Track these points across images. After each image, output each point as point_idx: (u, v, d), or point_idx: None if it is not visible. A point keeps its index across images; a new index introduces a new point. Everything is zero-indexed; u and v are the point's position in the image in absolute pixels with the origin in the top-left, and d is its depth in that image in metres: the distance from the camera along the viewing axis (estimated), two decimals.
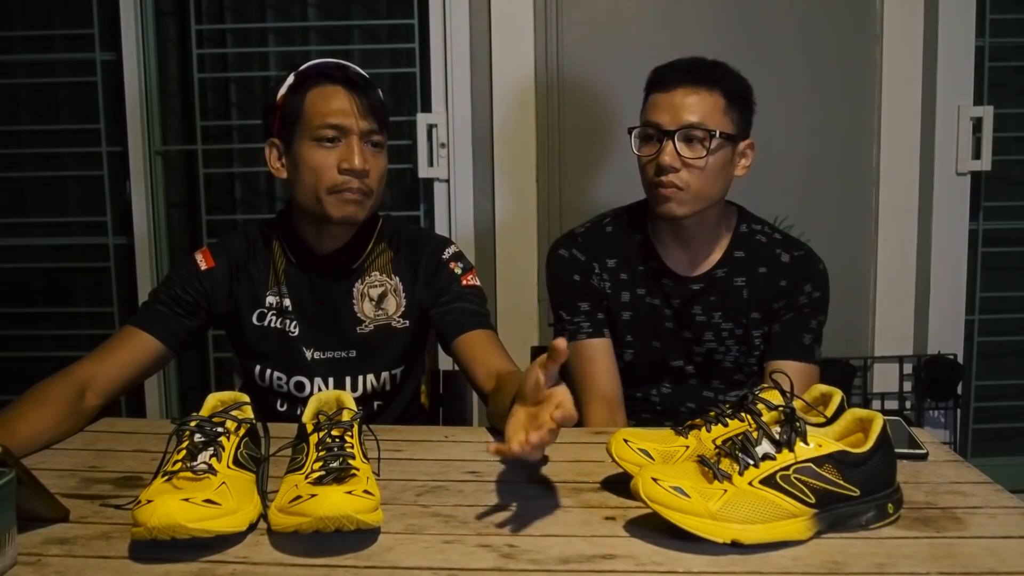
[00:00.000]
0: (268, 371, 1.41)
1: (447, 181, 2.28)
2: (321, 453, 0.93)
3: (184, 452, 0.92)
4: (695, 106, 1.35)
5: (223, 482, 0.89)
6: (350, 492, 0.84)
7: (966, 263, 2.28)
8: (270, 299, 1.41)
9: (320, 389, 1.40)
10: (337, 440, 0.95)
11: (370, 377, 1.42)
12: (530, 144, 2.25)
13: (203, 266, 1.40)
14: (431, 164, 2.28)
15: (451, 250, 1.45)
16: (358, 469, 0.90)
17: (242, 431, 0.98)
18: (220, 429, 0.95)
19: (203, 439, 0.94)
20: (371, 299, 1.41)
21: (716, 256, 1.47)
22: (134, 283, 2.36)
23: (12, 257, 2.45)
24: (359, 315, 1.41)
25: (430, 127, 2.26)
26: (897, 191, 2.25)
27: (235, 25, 2.34)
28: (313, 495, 0.84)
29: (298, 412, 1.40)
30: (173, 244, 2.41)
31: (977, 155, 2.24)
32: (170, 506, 0.82)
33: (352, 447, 0.94)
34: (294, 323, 1.40)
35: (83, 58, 2.33)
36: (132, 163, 2.32)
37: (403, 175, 2.35)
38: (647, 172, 1.41)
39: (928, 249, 2.26)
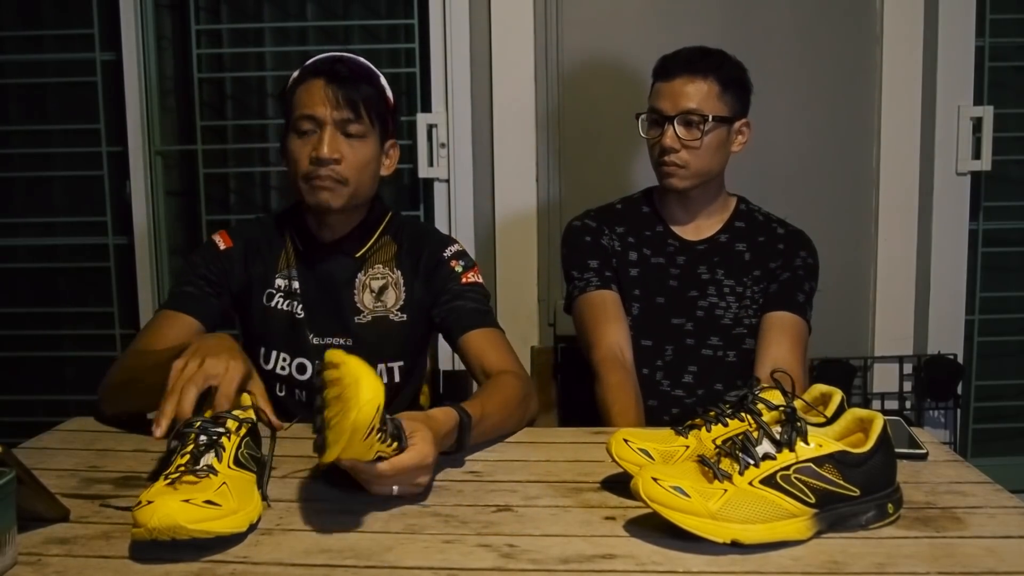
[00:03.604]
0: (272, 353, 1.43)
1: (447, 181, 2.28)
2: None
3: (188, 456, 0.92)
4: (692, 93, 1.51)
5: (223, 482, 0.89)
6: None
7: (966, 263, 2.28)
8: (279, 281, 1.43)
9: None
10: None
11: None
12: (530, 144, 2.25)
13: (222, 246, 1.43)
14: (431, 164, 2.28)
15: (452, 248, 1.45)
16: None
17: (243, 431, 0.98)
18: (220, 430, 0.95)
19: (204, 440, 0.94)
20: (371, 290, 1.43)
21: (718, 224, 1.63)
22: (134, 283, 2.36)
23: (12, 257, 2.45)
24: (359, 305, 1.42)
25: (430, 127, 2.26)
26: (897, 191, 2.25)
27: (234, 25, 2.34)
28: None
29: (296, 397, 1.43)
30: (173, 244, 2.41)
31: (977, 155, 2.23)
32: (170, 507, 0.81)
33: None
34: (300, 306, 1.42)
35: (83, 58, 2.33)
36: (132, 163, 2.32)
37: (403, 175, 2.35)
38: (653, 152, 1.57)
39: (928, 249, 2.26)
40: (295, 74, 1.38)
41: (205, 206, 2.32)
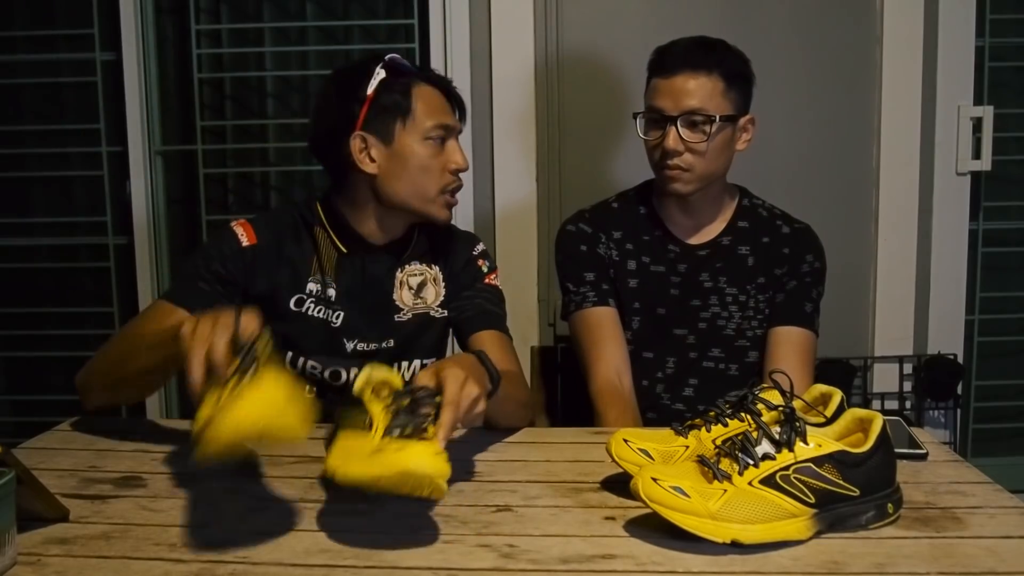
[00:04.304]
0: (301, 359, 1.38)
1: None
2: (399, 418, 0.89)
3: (235, 377, 0.88)
4: (695, 91, 1.41)
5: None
6: (439, 454, 0.83)
7: (966, 263, 2.28)
8: (311, 286, 1.36)
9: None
10: (413, 406, 0.91)
11: (404, 365, 1.41)
12: (530, 143, 2.25)
13: (244, 241, 1.34)
14: None
15: (479, 247, 1.47)
16: (433, 439, 0.88)
17: (270, 347, 0.94)
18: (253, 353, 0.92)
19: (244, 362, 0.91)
20: (410, 287, 1.41)
21: (720, 225, 1.55)
22: (134, 283, 2.36)
23: (12, 257, 2.45)
24: (398, 303, 1.40)
25: None
26: (897, 191, 2.25)
27: (234, 25, 2.34)
28: (400, 449, 0.82)
29: (327, 398, 1.37)
30: (173, 244, 2.41)
31: (977, 155, 2.23)
32: (236, 413, 0.80)
33: (430, 416, 0.91)
34: (337, 313, 1.36)
35: (83, 58, 2.33)
36: (132, 163, 2.32)
37: None
38: (653, 155, 1.48)
39: (928, 249, 2.26)
40: (383, 74, 1.31)
41: (205, 207, 2.32)
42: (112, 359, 1.23)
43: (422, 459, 0.81)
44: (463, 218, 2.26)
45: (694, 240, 1.55)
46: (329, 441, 0.96)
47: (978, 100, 2.22)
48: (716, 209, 1.55)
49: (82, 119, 2.35)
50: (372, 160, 1.32)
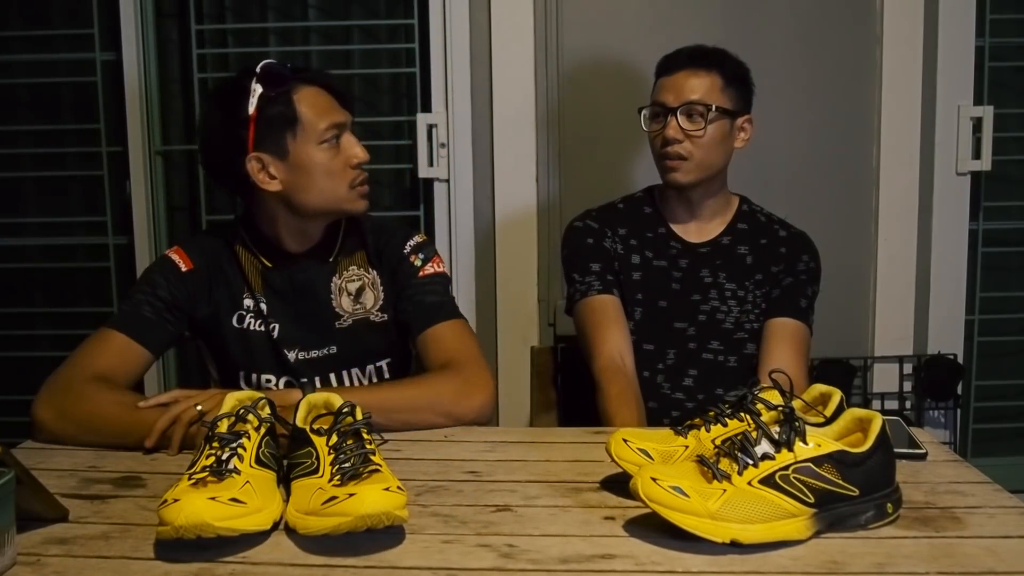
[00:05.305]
0: (254, 375, 1.39)
1: (447, 181, 2.28)
2: (344, 454, 0.91)
3: (212, 459, 0.91)
4: (696, 86, 1.53)
5: (247, 481, 0.89)
6: (387, 489, 0.84)
7: (966, 263, 2.28)
8: (247, 302, 1.39)
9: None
10: (353, 440, 0.94)
11: (355, 372, 1.41)
12: (530, 144, 2.25)
13: (183, 267, 1.37)
14: (431, 164, 2.28)
15: (412, 242, 1.44)
16: (380, 466, 0.90)
17: (263, 430, 0.97)
18: (239, 439, 0.95)
19: (227, 439, 0.93)
20: (348, 293, 1.41)
21: (721, 226, 1.62)
22: (134, 283, 2.35)
23: (12, 257, 2.45)
24: (337, 310, 1.40)
25: (430, 127, 2.26)
26: (897, 191, 2.25)
27: (235, 25, 2.34)
28: (352, 494, 0.83)
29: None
30: (173, 244, 2.41)
31: (977, 155, 2.23)
32: (197, 505, 0.82)
33: (371, 444, 0.94)
34: (273, 325, 1.38)
35: (83, 58, 2.33)
36: (132, 163, 2.32)
37: (403, 175, 2.35)
38: (655, 146, 1.57)
39: (928, 249, 2.26)
40: (260, 89, 1.29)
41: (206, 207, 2.32)
42: (77, 419, 1.24)
43: (375, 500, 0.83)
44: (463, 218, 2.27)
45: (696, 239, 1.61)
46: (285, 479, 0.98)
47: (978, 100, 2.22)
48: (717, 209, 1.62)
49: (82, 119, 2.36)
50: (273, 177, 1.31)
